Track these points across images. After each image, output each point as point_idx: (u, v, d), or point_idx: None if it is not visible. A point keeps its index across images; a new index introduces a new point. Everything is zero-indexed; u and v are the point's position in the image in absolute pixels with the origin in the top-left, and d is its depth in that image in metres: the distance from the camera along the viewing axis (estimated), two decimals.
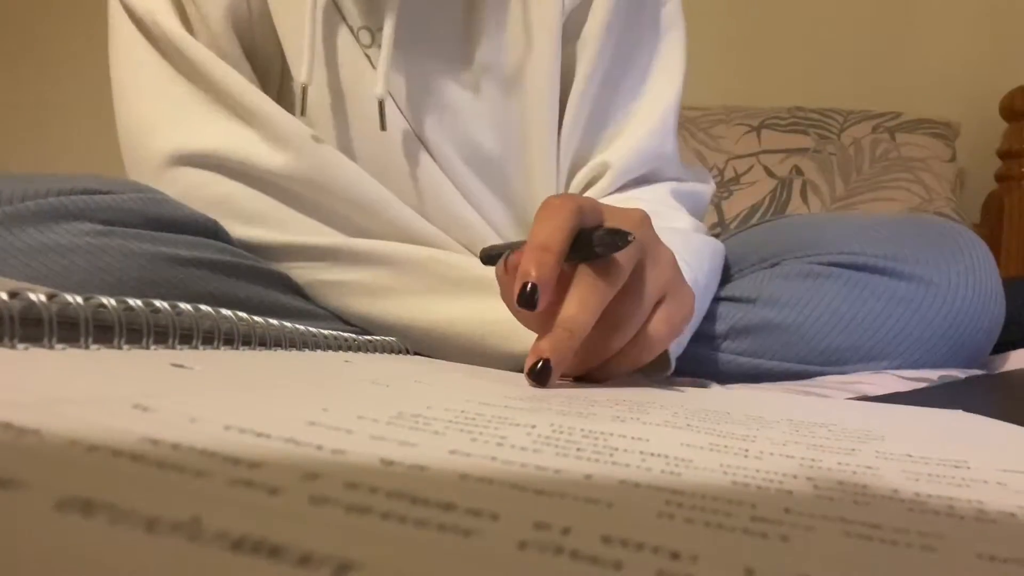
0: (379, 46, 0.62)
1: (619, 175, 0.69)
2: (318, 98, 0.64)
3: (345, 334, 0.46)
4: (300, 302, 0.64)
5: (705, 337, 0.64)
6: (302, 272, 0.65)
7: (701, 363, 0.64)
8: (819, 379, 0.59)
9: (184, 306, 0.32)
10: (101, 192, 0.53)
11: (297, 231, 0.64)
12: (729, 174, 1.47)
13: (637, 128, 0.70)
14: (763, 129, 1.51)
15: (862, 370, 0.60)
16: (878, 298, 0.60)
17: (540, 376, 0.39)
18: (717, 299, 0.66)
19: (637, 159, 0.69)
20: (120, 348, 0.28)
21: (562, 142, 0.68)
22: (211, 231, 0.60)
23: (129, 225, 0.53)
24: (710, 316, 0.65)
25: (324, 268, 0.64)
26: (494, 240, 0.69)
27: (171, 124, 0.63)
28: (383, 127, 0.62)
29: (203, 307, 0.34)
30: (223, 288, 0.57)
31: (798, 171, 1.43)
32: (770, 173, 1.44)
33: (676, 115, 0.73)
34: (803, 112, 1.51)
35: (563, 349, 0.40)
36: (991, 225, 1.45)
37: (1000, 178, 1.48)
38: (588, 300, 0.41)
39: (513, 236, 0.71)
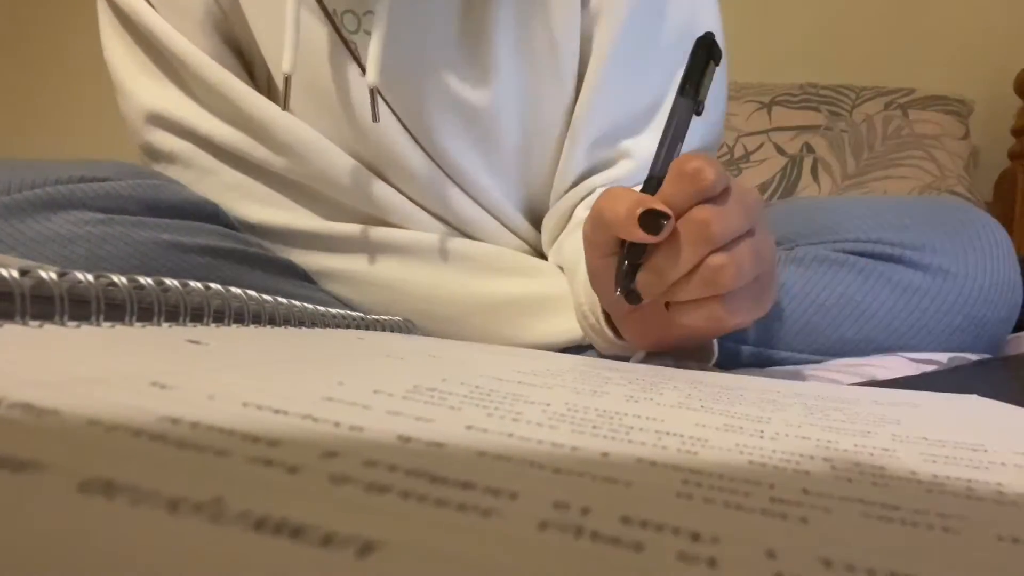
0: (366, 31, 0.60)
1: (641, 167, 0.64)
2: (298, 90, 0.62)
3: (354, 313, 0.46)
4: (306, 289, 0.64)
5: None
6: (314, 259, 0.65)
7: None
8: (827, 363, 0.58)
9: (194, 284, 0.32)
10: (99, 179, 0.53)
11: (309, 217, 0.64)
12: (739, 152, 1.46)
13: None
14: (774, 106, 1.49)
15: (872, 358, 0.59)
16: (893, 288, 0.58)
17: (653, 224, 0.39)
18: None
19: None
20: (132, 326, 0.28)
21: (578, 119, 0.64)
22: (211, 215, 0.60)
23: (129, 212, 0.53)
24: None
25: (335, 257, 0.65)
26: (494, 230, 0.68)
27: (165, 107, 0.63)
28: (375, 118, 0.59)
29: (213, 285, 0.34)
30: (227, 275, 0.57)
31: (809, 149, 1.42)
32: (780, 151, 1.43)
33: (720, 98, 0.69)
34: (815, 89, 1.50)
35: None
36: (1004, 203, 1.44)
37: (1014, 156, 1.47)
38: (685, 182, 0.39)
39: (518, 223, 0.70)
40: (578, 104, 0.64)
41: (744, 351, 0.61)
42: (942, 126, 1.39)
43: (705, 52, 0.44)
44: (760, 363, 0.60)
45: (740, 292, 0.41)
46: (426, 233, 0.66)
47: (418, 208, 0.66)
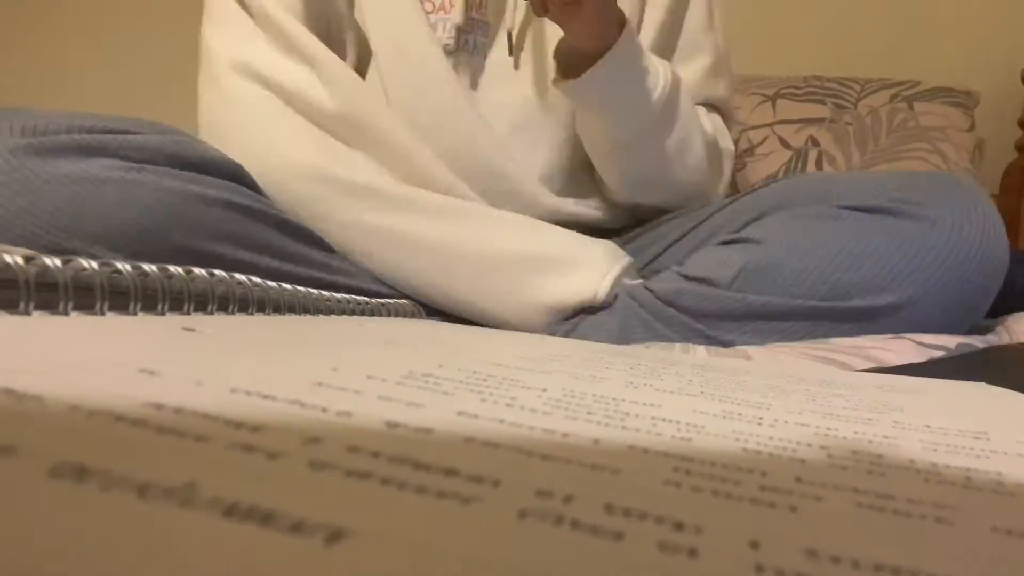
0: None
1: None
2: (384, 52, 0.72)
3: (359, 298, 0.46)
4: (322, 255, 0.66)
5: (715, 280, 0.65)
6: (340, 211, 0.68)
7: (711, 304, 0.64)
8: (834, 342, 0.58)
9: (198, 271, 0.32)
10: (129, 132, 0.55)
11: (348, 167, 0.69)
12: (743, 145, 1.45)
13: (696, 62, 0.83)
14: (778, 99, 1.49)
15: (869, 304, 0.62)
16: (884, 234, 0.62)
17: None
18: (726, 242, 0.69)
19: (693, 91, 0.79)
20: (135, 314, 0.28)
21: None
22: (233, 174, 0.62)
23: (157, 163, 0.55)
24: (719, 261, 0.66)
25: (359, 208, 0.68)
26: (525, 190, 0.75)
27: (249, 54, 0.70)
28: (513, 60, 0.75)
29: (217, 272, 0.34)
30: (246, 231, 0.59)
31: (814, 142, 1.41)
32: (785, 144, 1.42)
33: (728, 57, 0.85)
34: (819, 81, 1.49)
35: None
36: (1010, 195, 1.43)
37: (1021, 148, 1.46)
38: None
39: (550, 185, 0.78)
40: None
41: (743, 300, 0.64)
42: (948, 118, 1.38)
43: None
44: (761, 313, 0.62)
45: None
46: (450, 198, 0.70)
47: (443, 166, 0.71)
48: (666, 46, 0.82)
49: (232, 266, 0.48)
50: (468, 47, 0.76)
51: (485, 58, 0.77)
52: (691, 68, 0.83)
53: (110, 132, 0.53)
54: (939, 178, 0.67)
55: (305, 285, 0.42)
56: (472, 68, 0.76)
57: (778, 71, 1.54)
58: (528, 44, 0.77)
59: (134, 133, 0.55)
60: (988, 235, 0.62)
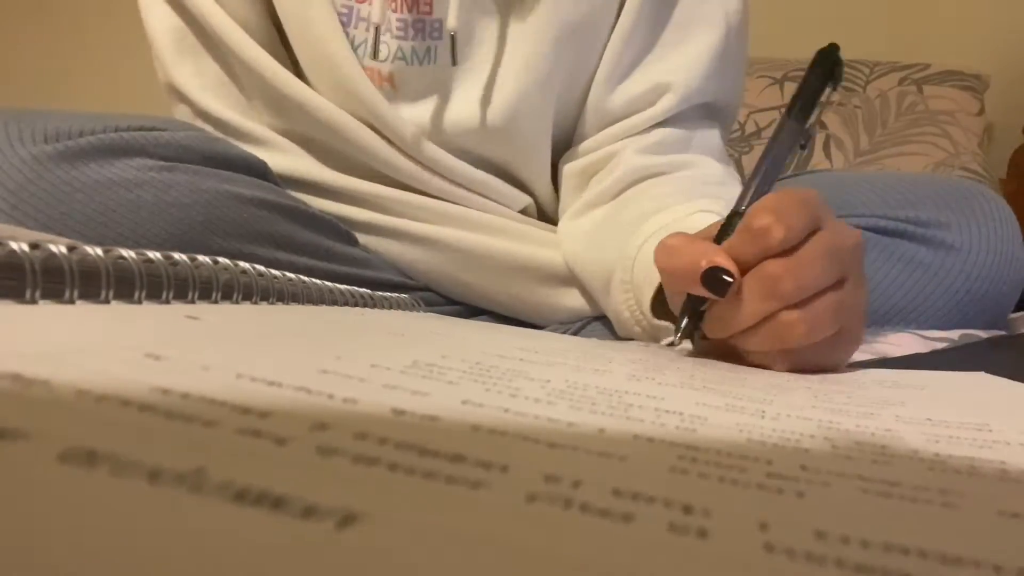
0: None
1: (682, 99, 0.63)
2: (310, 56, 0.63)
3: (361, 290, 0.46)
4: (351, 249, 0.64)
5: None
6: (339, 210, 0.65)
7: None
8: None
9: (202, 259, 0.32)
10: (157, 129, 0.53)
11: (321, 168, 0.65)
12: (750, 128, 1.45)
13: (699, 41, 0.64)
14: (786, 81, 1.48)
15: (877, 332, 0.59)
16: (896, 262, 0.59)
17: (717, 285, 0.35)
18: None
19: (701, 80, 0.63)
20: (140, 302, 0.28)
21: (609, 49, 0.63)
22: (261, 171, 0.60)
23: (189, 162, 0.53)
24: None
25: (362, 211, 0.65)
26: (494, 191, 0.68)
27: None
28: (454, 62, 0.60)
29: (221, 260, 0.34)
30: (279, 229, 0.57)
31: (821, 125, 1.40)
32: None
33: (741, 42, 0.67)
34: None
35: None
36: (1018, 180, 1.42)
37: None
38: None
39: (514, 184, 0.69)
40: (613, 35, 0.63)
41: None
42: (957, 102, 1.37)
43: (825, 70, 0.39)
44: None
45: (814, 345, 0.37)
46: (446, 202, 0.65)
47: (409, 161, 0.64)
48: (656, 21, 0.63)
49: (269, 266, 0.45)
50: (408, 55, 0.61)
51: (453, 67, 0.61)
52: (691, 51, 0.63)
53: (141, 129, 0.52)
54: (959, 192, 0.62)
55: (336, 281, 0.41)
56: (420, 83, 0.62)
57: (786, 53, 1.53)
58: (483, 48, 0.62)
59: (161, 130, 0.53)
60: (1007, 258, 0.58)
